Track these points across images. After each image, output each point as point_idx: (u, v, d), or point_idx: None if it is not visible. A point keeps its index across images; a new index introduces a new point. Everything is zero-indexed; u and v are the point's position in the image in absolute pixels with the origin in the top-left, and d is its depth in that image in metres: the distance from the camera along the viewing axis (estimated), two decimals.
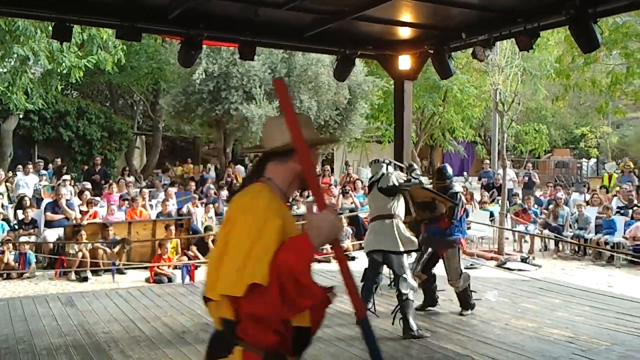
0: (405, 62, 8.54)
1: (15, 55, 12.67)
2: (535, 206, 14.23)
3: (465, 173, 28.87)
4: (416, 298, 6.72)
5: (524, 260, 11.52)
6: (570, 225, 12.85)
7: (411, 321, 6.20)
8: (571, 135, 32.51)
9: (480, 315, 7.10)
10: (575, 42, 6.69)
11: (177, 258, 10.81)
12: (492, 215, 13.73)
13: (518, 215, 13.59)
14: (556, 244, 12.63)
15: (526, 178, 17.54)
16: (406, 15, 7.44)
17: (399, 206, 6.64)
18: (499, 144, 16.32)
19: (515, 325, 6.70)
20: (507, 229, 12.75)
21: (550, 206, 13.63)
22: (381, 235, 6.51)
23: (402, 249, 6.41)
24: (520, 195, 15.60)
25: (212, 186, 15.52)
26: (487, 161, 18.94)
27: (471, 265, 11.29)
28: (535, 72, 17.66)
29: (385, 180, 6.61)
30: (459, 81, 18.89)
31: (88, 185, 13.83)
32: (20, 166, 14.34)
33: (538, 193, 17.23)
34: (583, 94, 23.53)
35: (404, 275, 6.33)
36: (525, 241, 12.95)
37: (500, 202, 13.28)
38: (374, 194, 6.74)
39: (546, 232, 12.76)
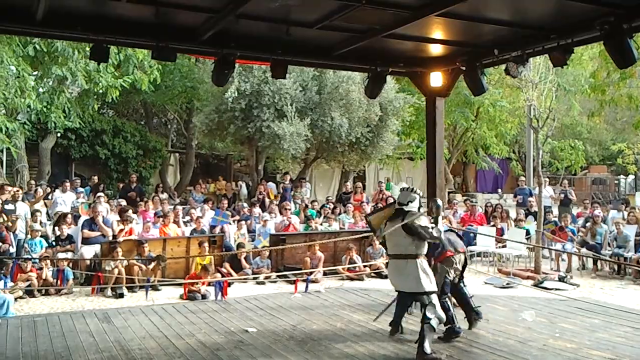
0: (436, 79, 8.51)
1: (54, 76, 13.03)
2: (572, 224, 13.95)
3: (499, 190, 28.52)
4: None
5: (561, 279, 11.28)
6: (608, 244, 12.56)
7: (426, 345, 5.99)
8: (608, 152, 31.86)
9: (517, 335, 6.96)
10: (610, 58, 6.58)
11: (211, 275, 10.86)
12: (528, 233, 13.50)
13: (555, 234, 13.33)
14: (594, 263, 12.34)
15: (562, 195, 17.21)
16: (437, 33, 7.43)
17: (423, 245, 6.38)
18: (533, 160, 16.10)
19: (554, 345, 6.54)
20: (543, 247, 12.50)
21: (588, 224, 13.34)
22: (404, 276, 6.31)
23: (427, 289, 6.21)
24: (556, 213, 15.29)
25: (244, 204, 15.64)
26: (523, 178, 18.65)
27: (507, 284, 11.13)
28: (569, 88, 17.45)
29: (413, 217, 6.27)
30: (492, 96, 18.74)
31: (123, 202, 14.05)
32: (58, 184, 14.64)
33: (575, 211, 16.91)
34: (619, 110, 23.12)
35: (433, 302, 6.21)
36: (563, 260, 12.68)
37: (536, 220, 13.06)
38: (397, 230, 6.30)
39: (584, 250, 12.49)
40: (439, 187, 8.70)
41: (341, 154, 17.06)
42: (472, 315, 7.14)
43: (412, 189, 6.68)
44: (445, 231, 6.92)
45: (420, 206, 6.49)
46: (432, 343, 6.10)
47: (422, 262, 6.29)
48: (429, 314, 6.11)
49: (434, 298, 6.23)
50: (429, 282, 6.21)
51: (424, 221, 6.32)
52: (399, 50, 8.15)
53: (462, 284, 7.13)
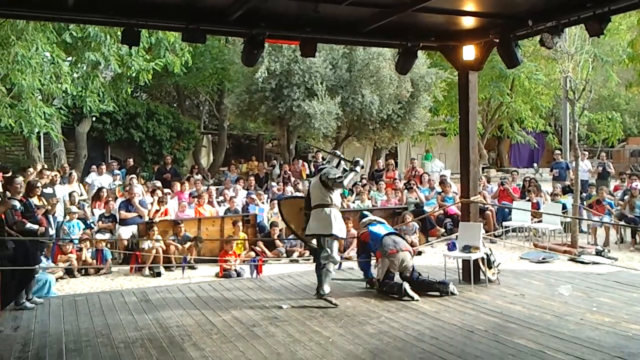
0: (469, 52, 8.35)
1: (87, 61, 13.19)
2: (610, 197, 13.69)
3: (535, 164, 28.07)
4: None
5: (599, 253, 11.12)
6: None
7: (325, 286, 7.28)
8: None
9: (553, 310, 6.90)
10: None
11: (245, 254, 11.02)
12: (564, 207, 13.30)
13: (592, 207, 13.10)
14: (633, 236, 12.11)
15: (600, 168, 16.88)
16: (469, 4, 7.28)
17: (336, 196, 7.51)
18: (570, 133, 15.78)
19: (591, 320, 6.47)
20: (580, 219, 12.29)
21: (626, 197, 13.07)
22: (319, 221, 7.35)
23: (333, 232, 7.29)
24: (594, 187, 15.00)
25: (273, 183, 15.74)
26: (559, 152, 18.30)
27: (543, 259, 11.01)
28: (606, 58, 16.98)
29: (326, 172, 7.41)
30: (527, 69, 18.36)
31: (158, 183, 14.29)
32: (94, 167, 14.91)
33: (613, 183, 16.57)
34: None
35: (330, 247, 7.33)
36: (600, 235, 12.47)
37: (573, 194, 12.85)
38: (315, 185, 7.54)
39: (622, 223, 12.25)
40: (472, 162, 8.59)
41: (372, 131, 16.97)
42: (441, 287, 7.66)
43: (334, 152, 8.21)
44: (390, 234, 7.98)
45: (338, 164, 7.79)
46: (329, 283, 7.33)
47: (334, 210, 7.36)
48: (322, 260, 7.28)
49: (333, 244, 7.33)
50: (338, 228, 7.31)
51: (332, 174, 7.36)
52: (430, 23, 8.02)
53: (416, 274, 7.79)
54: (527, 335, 5.99)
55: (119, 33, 8.85)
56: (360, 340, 5.96)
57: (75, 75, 13.88)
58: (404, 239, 8.23)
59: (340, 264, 9.06)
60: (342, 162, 7.86)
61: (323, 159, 7.96)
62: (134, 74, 13.79)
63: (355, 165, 7.68)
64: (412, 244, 11.77)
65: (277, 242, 11.67)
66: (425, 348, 5.67)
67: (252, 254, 11.13)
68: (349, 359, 5.40)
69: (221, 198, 13.63)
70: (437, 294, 7.62)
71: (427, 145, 23.35)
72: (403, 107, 16.56)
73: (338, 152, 8.05)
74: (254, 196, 13.43)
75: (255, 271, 9.61)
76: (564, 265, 10.58)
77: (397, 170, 18.11)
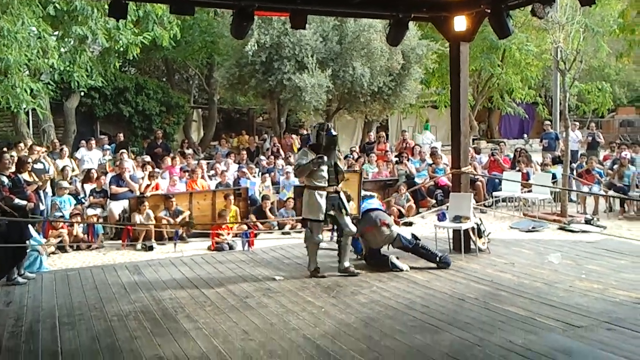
0: (460, 23, 8.29)
1: (74, 35, 13.01)
2: (599, 167, 13.78)
3: (525, 135, 28.14)
4: None
5: (588, 222, 11.23)
6: (636, 185, 12.38)
7: (345, 261, 7.44)
8: (636, 93, 31.09)
9: (543, 277, 6.99)
10: None
11: (237, 227, 11.05)
12: (554, 177, 13.39)
13: (581, 177, 13.19)
14: (621, 205, 12.23)
15: (590, 138, 16.95)
16: None
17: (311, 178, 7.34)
18: (560, 104, 15.81)
19: (580, 287, 6.56)
20: (569, 190, 12.39)
21: (615, 166, 13.16)
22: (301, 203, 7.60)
23: (304, 216, 7.52)
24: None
25: (263, 157, 15.73)
26: (548, 122, 18.34)
27: (533, 228, 11.11)
28: (597, 29, 16.92)
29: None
30: (518, 40, 18.29)
31: (147, 158, 14.24)
32: (83, 142, 14.82)
33: (602, 153, 16.66)
34: None
35: (310, 228, 7.47)
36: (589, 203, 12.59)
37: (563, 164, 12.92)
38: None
39: (611, 192, 12.36)
40: (463, 134, 8.59)
41: (363, 104, 16.90)
42: (440, 264, 7.61)
43: (317, 125, 7.83)
44: (372, 210, 7.90)
45: (318, 136, 7.53)
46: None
47: (310, 192, 7.33)
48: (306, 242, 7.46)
49: (313, 225, 7.34)
50: (307, 211, 7.39)
51: (298, 157, 7.56)
52: None
53: (413, 241, 7.83)
54: (517, 302, 6.07)
55: (106, 6, 8.70)
56: (352, 309, 6.02)
57: (62, 49, 13.69)
58: (386, 212, 8.22)
59: (332, 239, 9.03)
60: (325, 137, 7.44)
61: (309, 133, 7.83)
62: (122, 48, 13.63)
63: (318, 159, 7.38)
64: (401, 215, 11.98)
65: (269, 214, 11.70)
66: (416, 316, 5.74)
67: (244, 227, 11.16)
68: (341, 328, 5.47)
69: (212, 172, 13.61)
70: (430, 264, 7.66)
71: (419, 117, 23.34)
72: (394, 79, 16.49)
73: (322, 125, 7.72)
74: (245, 170, 13.42)
75: (247, 244, 9.65)
76: (554, 234, 10.69)
77: (388, 143, 18.10)
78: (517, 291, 6.48)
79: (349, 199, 7.76)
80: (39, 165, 11.26)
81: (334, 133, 7.57)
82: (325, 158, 7.30)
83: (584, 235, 10.25)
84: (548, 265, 7.55)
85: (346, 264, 7.45)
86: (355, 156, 15.37)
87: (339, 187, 7.50)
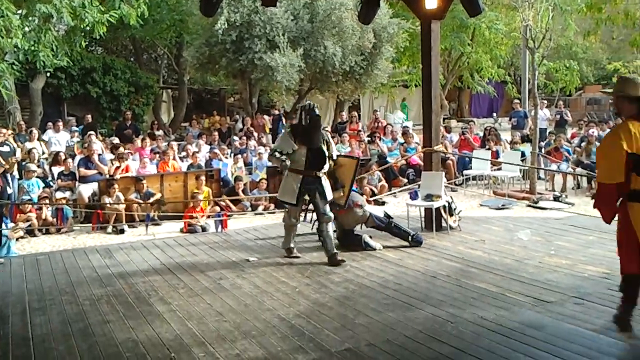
0: (431, 1, 8.29)
1: (39, 13, 12.66)
2: (567, 144, 14.01)
3: (494, 114, 28.41)
4: None
5: (556, 199, 11.43)
6: None
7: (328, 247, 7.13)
8: (603, 72, 31.55)
9: (513, 254, 7.11)
10: None
11: (210, 208, 10.99)
12: (523, 155, 13.57)
13: (550, 154, 13.40)
14: (589, 182, 12.47)
15: (558, 116, 17.20)
16: None
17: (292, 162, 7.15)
18: (529, 82, 15.97)
19: (549, 263, 6.68)
20: (538, 168, 12.59)
21: (583, 144, 13.39)
22: None
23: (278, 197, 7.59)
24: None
25: (235, 137, 15.63)
26: (517, 101, 18.54)
27: (502, 205, 11.27)
28: (565, 7, 17.09)
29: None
30: (487, 18, 18.39)
31: (116, 140, 14.03)
32: (50, 124, 14.52)
33: (570, 131, 16.93)
34: (615, 28, 22.68)
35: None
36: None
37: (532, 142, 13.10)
38: None
39: (579, 169, 12.58)
40: (434, 113, 8.62)
41: (335, 83, 16.85)
42: (412, 242, 7.68)
43: (304, 106, 7.44)
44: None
45: (300, 117, 7.35)
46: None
47: (284, 175, 7.29)
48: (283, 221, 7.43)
49: (290, 208, 7.28)
50: (281, 193, 7.34)
51: (278, 140, 7.64)
52: None
53: (385, 220, 7.86)
54: (488, 279, 6.17)
55: None
56: (326, 289, 6.05)
57: (26, 28, 13.31)
58: (359, 192, 8.14)
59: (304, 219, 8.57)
60: (309, 117, 7.24)
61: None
62: (88, 27, 13.30)
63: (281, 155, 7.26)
64: (374, 194, 12.03)
65: (242, 195, 11.65)
66: (389, 294, 5.80)
67: (217, 208, 11.10)
68: (316, 307, 5.49)
69: (184, 154, 13.48)
70: (402, 242, 7.73)
71: (390, 97, 23.38)
72: (365, 58, 16.45)
73: (306, 106, 7.44)
74: (217, 151, 13.32)
75: (220, 226, 9.60)
76: (523, 211, 10.86)
77: (360, 122, 18.12)
78: (488, 268, 6.58)
79: (336, 186, 7.52)
80: (5, 148, 11.04)
81: (317, 112, 7.25)
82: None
83: (552, 212, 10.44)
84: (518, 242, 7.68)
85: (333, 250, 7.09)
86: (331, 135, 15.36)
87: (321, 172, 7.15)
